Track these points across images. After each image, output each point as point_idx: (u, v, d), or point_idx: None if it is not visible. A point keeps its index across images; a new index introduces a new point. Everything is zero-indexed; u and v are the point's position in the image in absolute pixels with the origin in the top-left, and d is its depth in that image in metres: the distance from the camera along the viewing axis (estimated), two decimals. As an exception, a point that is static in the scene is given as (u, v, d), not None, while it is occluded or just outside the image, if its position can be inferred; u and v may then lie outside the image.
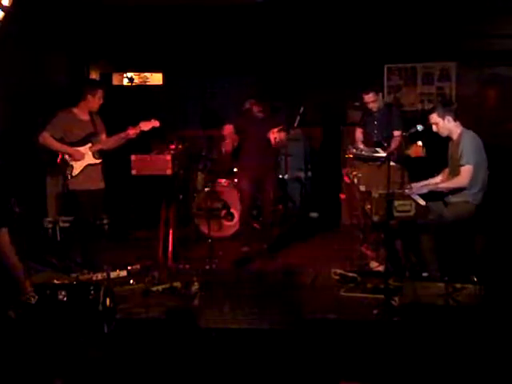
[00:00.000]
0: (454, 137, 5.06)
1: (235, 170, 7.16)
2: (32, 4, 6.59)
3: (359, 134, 6.43)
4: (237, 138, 6.22)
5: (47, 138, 5.45)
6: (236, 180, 6.73)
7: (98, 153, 5.64)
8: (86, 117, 5.63)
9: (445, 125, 5.04)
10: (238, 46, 8.11)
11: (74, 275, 5.36)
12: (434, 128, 5.08)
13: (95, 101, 5.62)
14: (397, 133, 6.05)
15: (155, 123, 5.69)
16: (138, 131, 5.64)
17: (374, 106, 6.19)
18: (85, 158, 5.56)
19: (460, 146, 4.95)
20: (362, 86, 6.52)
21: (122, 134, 5.66)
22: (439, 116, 5.04)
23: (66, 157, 5.51)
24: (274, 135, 5.81)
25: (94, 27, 7.99)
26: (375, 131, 6.22)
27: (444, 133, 5.09)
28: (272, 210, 6.19)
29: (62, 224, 6.29)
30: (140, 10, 7.83)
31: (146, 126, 5.66)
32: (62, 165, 5.52)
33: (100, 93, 5.64)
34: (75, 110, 5.61)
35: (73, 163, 5.53)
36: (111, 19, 7.95)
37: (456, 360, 3.77)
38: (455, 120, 5.04)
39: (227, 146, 6.32)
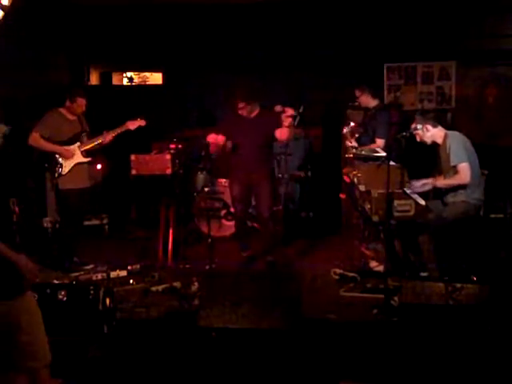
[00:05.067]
0: (439, 141, 5.09)
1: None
2: (32, 4, 6.60)
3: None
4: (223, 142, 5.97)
5: (37, 139, 5.52)
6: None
7: (86, 151, 5.71)
8: (73, 116, 5.73)
9: (424, 133, 5.09)
10: (238, 46, 8.11)
11: (73, 275, 5.38)
12: (417, 138, 5.14)
13: (75, 107, 5.70)
14: (379, 141, 5.94)
15: (141, 122, 5.79)
16: (123, 130, 5.75)
17: (361, 102, 6.32)
18: (74, 157, 5.63)
19: (447, 147, 4.97)
20: (361, 85, 6.53)
21: (116, 131, 5.76)
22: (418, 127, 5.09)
23: (57, 156, 5.58)
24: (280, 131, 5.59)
25: (93, 27, 8.01)
26: (363, 134, 6.23)
27: (427, 141, 5.14)
28: (270, 213, 5.83)
29: (45, 224, 6.38)
30: (140, 10, 7.85)
31: (132, 124, 5.77)
32: (52, 164, 5.59)
33: (80, 101, 5.69)
34: (62, 110, 5.71)
35: (63, 162, 5.60)
36: (111, 19, 7.97)
37: (456, 360, 3.77)
38: (435, 126, 5.08)
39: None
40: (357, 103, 6.53)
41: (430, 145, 5.15)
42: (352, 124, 6.38)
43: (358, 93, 6.32)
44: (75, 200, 5.64)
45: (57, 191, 5.69)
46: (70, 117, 5.70)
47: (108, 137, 5.71)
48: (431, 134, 5.09)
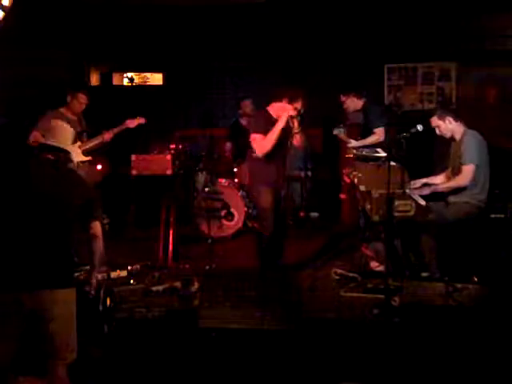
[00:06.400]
0: (457, 137, 5.08)
1: (235, 169, 7.15)
2: (34, 4, 6.61)
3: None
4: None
5: (38, 137, 5.50)
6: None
7: (86, 151, 5.74)
8: (73, 116, 5.76)
9: (447, 126, 5.06)
10: (238, 46, 8.11)
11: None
12: (437, 131, 5.13)
13: (75, 104, 5.73)
14: (378, 130, 6.01)
15: (141, 120, 5.82)
16: (123, 128, 5.82)
17: (348, 107, 6.30)
18: (74, 156, 5.64)
19: (463, 145, 4.97)
20: (362, 85, 6.52)
21: (115, 130, 5.80)
22: (439, 119, 5.07)
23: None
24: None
25: (94, 27, 8.01)
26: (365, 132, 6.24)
27: (447, 134, 5.12)
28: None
29: None
30: (141, 10, 7.85)
31: (132, 123, 5.83)
32: None
33: (81, 97, 5.73)
34: (63, 110, 5.75)
35: None
36: (112, 19, 7.97)
37: (456, 360, 3.77)
38: (456, 120, 5.06)
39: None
40: (344, 107, 6.42)
41: (448, 139, 5.14)
42: (342, 127, 6.35)
43: (343, 98, 6.29)
44: None
45: None
46: (71, 116, 5.72)
47: (108, 135, 5.74)
48: (453, 126, 5.07)
